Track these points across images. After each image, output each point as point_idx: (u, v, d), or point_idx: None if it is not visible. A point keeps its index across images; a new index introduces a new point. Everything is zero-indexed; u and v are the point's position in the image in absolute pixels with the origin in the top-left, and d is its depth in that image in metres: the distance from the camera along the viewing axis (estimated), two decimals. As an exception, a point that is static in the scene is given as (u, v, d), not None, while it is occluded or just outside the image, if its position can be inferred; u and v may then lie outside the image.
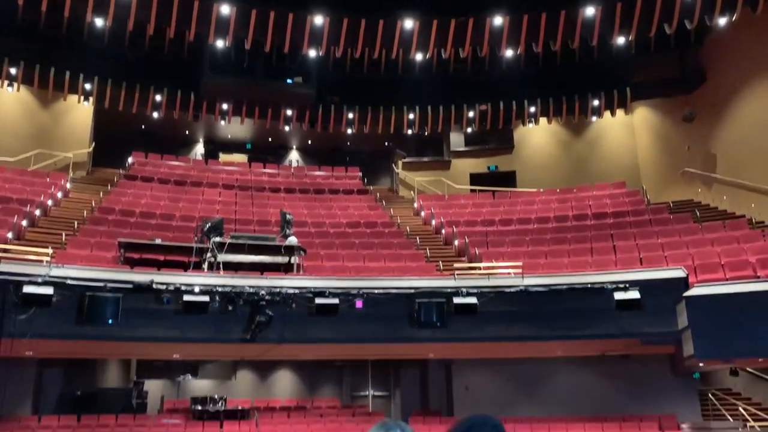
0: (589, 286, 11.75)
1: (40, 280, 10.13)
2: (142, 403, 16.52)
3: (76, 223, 15.56)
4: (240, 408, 16.23)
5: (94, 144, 21.17)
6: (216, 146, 24.36)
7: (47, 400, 15.18)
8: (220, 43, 18.71)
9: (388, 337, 12.26)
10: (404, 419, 13.69)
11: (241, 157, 24.24)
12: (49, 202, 16.64)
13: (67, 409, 14.70)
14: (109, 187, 19.20)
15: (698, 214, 17.06)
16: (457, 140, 23.54)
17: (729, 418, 15.02)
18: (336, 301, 11.63)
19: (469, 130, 22.97)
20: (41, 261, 11.07)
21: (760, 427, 14.27)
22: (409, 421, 12.88)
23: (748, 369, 15.23)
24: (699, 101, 19.56)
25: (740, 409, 15.15)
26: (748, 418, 14.78)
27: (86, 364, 16.49)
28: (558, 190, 20.42)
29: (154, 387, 17.87)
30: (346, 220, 18.32)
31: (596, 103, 21.72)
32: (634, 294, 11.29)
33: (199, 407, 15.64)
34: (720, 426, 14.03)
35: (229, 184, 20.34)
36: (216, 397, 16.11)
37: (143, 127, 22.57)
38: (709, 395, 15.80)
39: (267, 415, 15.81)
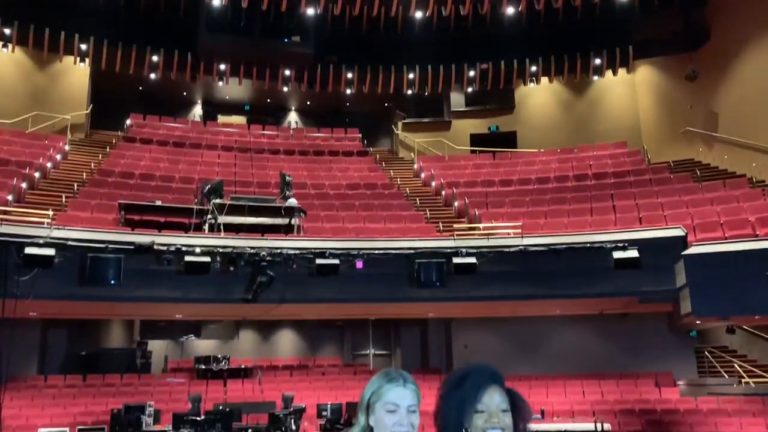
0: (588, 245, 11.80)
1: (41, 241, 10.18)
2: (146, 362, 16.76)
3: (75, 185, 15.55)
4: (243, 367, 16.49)
5: (91, 106, 21.00)
6: (214, 108, 24.15)
7: (52, 360, 15.42)
8: (216, 1, 18.39)
9: (389, 296, 12.38)
10: (405, 377, 13.88)
11: (239, 119, 24.07)
12: (49, 165, 16.59)
13: (72, 369, 14.95)
14: (107, 149, 19.13)
15: (699, 173, 17.02)
16: (457, 100, 23.33)
17: (724, 374, 15.28)
18: (336, 261, 11.71)
19: (470, 90, 22.74)
20: (42, 223, 11.10)
21: (754, 383, 14.52)
22: (410, 379, 13.07)
23: (744, 327, 15.41)
24: (702, 60, 19.31)
25: (736, 366, 15.40)
26: (743, 374, 15.03)
27: (90, 325, 16.69)
28: (559, 151, 20.33)
29: (157, 347, 18.10)
30: (345, 181, 18.30)
31: (598, 61, 21.46)
32: (632, 253, 11.34)
33: (203, 366, 15.88)
34: (715, 382, 14.27)
35: (228, 146, 20.25)
36: (219, 356, 16.34)
37: (140, 88, 22.34)
38: (706, 353, 16.03)
39: (270, 374, 16.07)
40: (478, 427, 1.98)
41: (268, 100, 23.91)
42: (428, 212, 16.21)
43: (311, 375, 16.28)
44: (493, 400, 1.99)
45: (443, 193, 17.74)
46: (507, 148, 21.55)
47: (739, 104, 17.48)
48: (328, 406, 11.62)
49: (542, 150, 20.64)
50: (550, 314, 14.72)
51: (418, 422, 1.96)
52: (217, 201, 12.99)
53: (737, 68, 17.92)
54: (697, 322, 12.54)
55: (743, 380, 14.77)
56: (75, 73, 20.73)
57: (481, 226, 13.68)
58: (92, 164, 17.47)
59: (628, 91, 21.90)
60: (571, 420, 11.86)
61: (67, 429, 10.81)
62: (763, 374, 15.07)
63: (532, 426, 10.70)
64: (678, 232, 11.74)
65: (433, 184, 18.69)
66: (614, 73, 21.59)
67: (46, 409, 12.42)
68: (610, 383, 14.27)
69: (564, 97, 22.67)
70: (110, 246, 10.66)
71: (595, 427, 11.30)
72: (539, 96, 22.85)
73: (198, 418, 10.58)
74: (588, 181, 17.30)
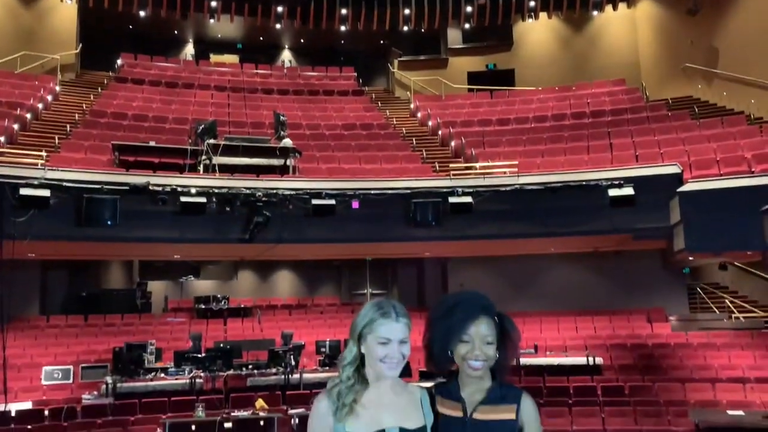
0: (584, 183, 11.80)
1: (36, 182, 10.14)
2: (147, 303, 16.99)
3: (68, 126, 15.37)
4: (242, 306, 16.75)
5: (81, 45, 20.56)
6: (206, 47, 23.67)
7: (53, 301, 15.62)
8: (205, -65, 17.77)
9: (385, 236, 12.45)
10: (401, 314, 14.12)
11: (232, 58, 23.59)
12: (40, 106, 16.36)
13: (72, 309, 15.16)
14: (99, 90, 18.83)
15: (697, 110, 16.88)
16: (454, 37, 22.85)
17: (715, 310, 15.57)
18: (332, 202, 11.71)
19: (467, 26, 22.25)
20: (36, 164, 11.04)
21: (744, 318, 14.82)
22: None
23: (736, 263, 15.61)
24: (705, -7, 18.84)
25: (727, 302, 15.67)
26: (734, 310, 15.32)
27: (90, 266, 16.83)
28: (557, 89, 20.06)
29: (157, 288, 18.32)
30: (341, 122, 18.11)
31: (598, -5, 20.96)
32: (628, 190, 11.35)
33: (203, 306, 16.14)
34: (706, 317, 14.55)
35: (221, 86, 19.94)
36: (219, 296, 16.59)
37: (130, 27, 21.83)
38: (698, 289, 16.29)
39: (269, 313, 16.34)
40: (460, 355, 2.03)
41: (261, 39, 23.40)
42: (424, 152, 16.13)
43: (310, 314, 16.54)
44: (479, 331, 2.04)
45: (440, 132, 17.61)
46: (505, 86, 21.27)
47: (741, 40, 17.14)
48: (327, 342, 11.83)
49: (540, 88, 20.38)
50: (545, 252, 14.86)
51: (408, 352, 2.01)
52: (211, 141, 12.89)
53: (739, 2, 17.49)
54: (690, 258, 12.69)
55: (733, 315, 15.06)
56: (62, 11, 20.20)
57: (477, 165, 13.64)
58: (84, 105, 17.23)
59: (627, 26, 21.48)
60: (564, 354, 12.14)
61: (71, 367, 11.04)
62: (753, 309, 15.37)
63: (526, 360, 10.92)
64: (674, 170, 11.72)
65: (430, 123, 18.52)
66: (614, 7, 21.12)
67: (50, 348, 12.66)
68: (603, 319, 14.54)
69: (563, 34, 22.24)
70: (105, 187, 10.63)
71: (587, 361, 11.58)
72: (538, 32, 22.40)
73: (199, 355, 10.80)
74: (585, 119, 17.15)
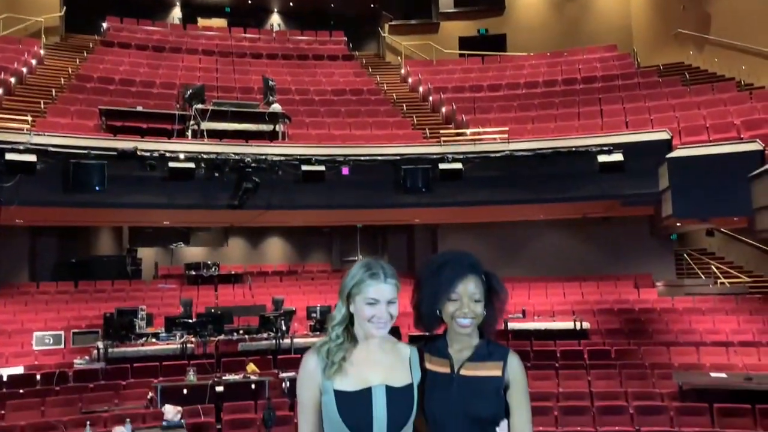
0: (573, 149, 11.82)
1: (22, 147, 10.02)
2: (137, 269, 16.99)
3: (53, 90, 15.14)
4: (233, 273, 16.79)
5: (65, 8, 20.13)
6: (193, 10, 23.23)
7: (43, 267, 15.58)
8: None
9: (375, 203, 12.47)
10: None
11: (220, 22, 23.20)
12: (24, 70, 16.06)
13: (62, 276, 15.13)
14: (85, 54, 18.50)
15: (687, 76, 16.83)
16: (446, 1, 22.58)
17: (701, 275, 15.77)
18: (322, 168, 11.68)
19: (459, -10, 22.00)
20: (21, 129, 10.89)
21: (729, 283, 15.03)
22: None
23: (723, 230, 15.76)
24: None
25: (713, 267, 15.88)
26: (720, 275, 15.52)
27: (79, 232, 16.76)
28: (548, 54, 19.92)
29: (147, 254, 18.32)
30: (331, 87, 17.93)
31: (592, -41, 20.69)
32: (617, 156, 11.39)
33: (193, 272, 16.18)
34: (692, 283, 14.73)
35: (209, 50, 19.63)
36: (209, 263, 16.62)
37: (115, -11, 21.39)
38: (685, 255, 16.47)
39: (260, 279, 16.40)
40: (449, 314, 2.05)
41: (249, 2, 23.01)
42: (415, 118, 16.04)
43: (301, 280, 16.62)
44: (467, 290, 2.06)
45: (431, 98, 17.48)
46: (496, 52, 21.09)
47: (732, 5, 17.01)
48: (318, 308, 11.91)
49: (532, 54, 20.23)
50: (534, 219, 14.94)
51: (396, 312, 2.02)
52: (199, 106, 12.74)
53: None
54: (678, 224, 12.79)
55: (719, 281, 15.27)
56: (45, -28, 19.71)
57: (468, 131, 13.59)
58: (69, 69, 16.95)
59: (621, -9, 21.29)
60: (552, 319, 12.29)
61: (62, 332, 11.06)
62: (739, 275, 15.58)
63: (514, 324, 11.01)
64: (663, 136, 11.74)
65: (421, 89, 18.38)
66: (608, -29, 20.88)
67: (40, 314, 12.66)
68: (590, 285, 14.70)
69: (555, -2, 22.01)
70: (92, 152, 10.53)
71: (575, 325, 11.73)
72: (530, -4, 22.15)
73: (190, 321, 10.84)
74: (576, 85, 17.08)
